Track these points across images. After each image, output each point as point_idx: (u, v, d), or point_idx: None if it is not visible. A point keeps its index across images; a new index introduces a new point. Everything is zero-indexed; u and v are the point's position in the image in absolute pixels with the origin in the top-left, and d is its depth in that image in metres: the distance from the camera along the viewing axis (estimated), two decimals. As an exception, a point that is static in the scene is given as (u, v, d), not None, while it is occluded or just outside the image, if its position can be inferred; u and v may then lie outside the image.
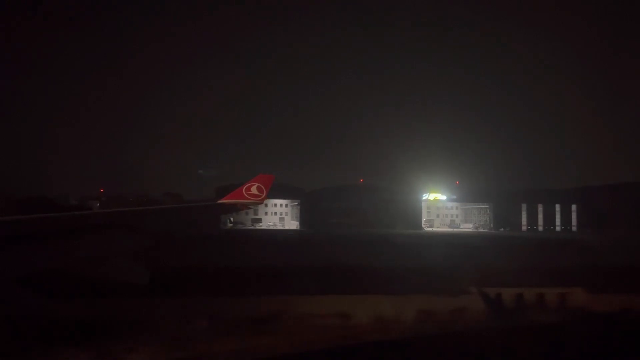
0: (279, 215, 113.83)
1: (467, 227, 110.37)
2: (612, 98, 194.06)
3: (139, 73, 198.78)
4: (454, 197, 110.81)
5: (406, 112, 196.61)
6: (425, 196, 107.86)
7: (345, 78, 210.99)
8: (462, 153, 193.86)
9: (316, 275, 19.34)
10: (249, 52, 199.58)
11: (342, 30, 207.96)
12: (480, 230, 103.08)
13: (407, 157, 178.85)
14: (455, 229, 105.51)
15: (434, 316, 13.05)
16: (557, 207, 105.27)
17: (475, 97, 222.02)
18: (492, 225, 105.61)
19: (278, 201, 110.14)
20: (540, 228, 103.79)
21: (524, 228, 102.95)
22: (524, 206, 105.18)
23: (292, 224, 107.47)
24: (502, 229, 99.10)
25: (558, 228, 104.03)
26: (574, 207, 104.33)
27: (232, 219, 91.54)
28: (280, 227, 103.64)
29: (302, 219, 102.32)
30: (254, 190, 11.34)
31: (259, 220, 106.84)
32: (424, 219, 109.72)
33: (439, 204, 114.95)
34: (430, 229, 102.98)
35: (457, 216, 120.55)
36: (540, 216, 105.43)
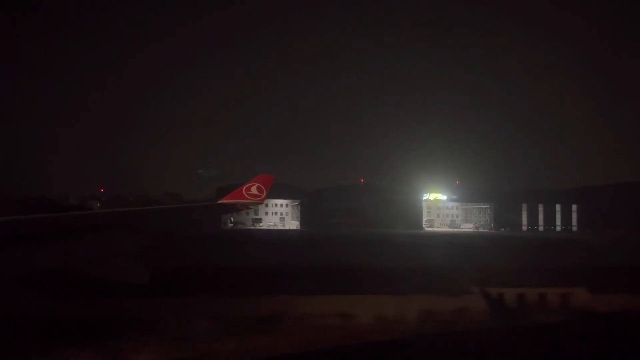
0: (279, 215, 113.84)
1: (467, 227, 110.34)
2: (612, 98, 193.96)
3: (139, 73, 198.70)
4: (455, 197, 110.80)
5: (406, 112, 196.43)
6: (425, 196, 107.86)
7: (345, 78, 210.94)
8: (462, 153, 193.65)
9: (317, 275, 19.33)
10: (249, 52, 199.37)
11: (342, 30, 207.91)
12: (481, 230, 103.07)
13: (407, 157, 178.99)
14: (455, 229, 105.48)
15: (436, 316, 13.07)
16: (558, 207, 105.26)
17: (475, 97, 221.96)
18: (492, 225, 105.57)
19: (278, 201, 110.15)
20: (541, 228, 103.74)
21: (524, 228, 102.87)
22: (524, 206, 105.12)
23: (293, 224, 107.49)
24: (503, 229, 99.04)
25: (558, 228, 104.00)
26: (574, 207, 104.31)
27: (232, 219, 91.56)
28: (281, 227, 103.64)
29: (303, 219, 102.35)
30: (254, 190, 11.32)
31: (260, 220, 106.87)
32: (424, 219, 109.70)
33: (440, 204, 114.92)
34: (430, 229, 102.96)
35: (457, 216, 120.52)
36: (541, 216, 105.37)
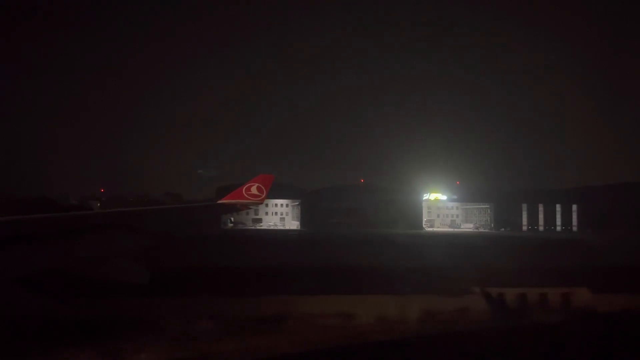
0: (279, 215, 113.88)
1: (467, 227, 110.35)
2: (612, 98, 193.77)
3: (139, 73, 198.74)
4: (455, 197, 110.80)
5: (406, 112, 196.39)
6: (425, 196, 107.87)
7: (345, 78, 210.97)
8: (462, 153, 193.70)
9: (317, 275, 19.33)
10: (249, 52, 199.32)
11: (342, 30, 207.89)
12: (481, 230, 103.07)
13: (407, 157, 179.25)
14: (455, 229, 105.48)
15: (436, 316, 13.06)
16: (558, 207, 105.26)
17: (475, 97, 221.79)
18: (492, 225, 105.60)
19: (279, 201, 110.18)
20: (541, 228, 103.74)
21: (524, 228, 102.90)
22: (524, 206, 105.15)
23: (293, 224, 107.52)
24: (503, 229, 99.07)
25: (559, 228, 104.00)
26: (574, 207, 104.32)
27: (232, 219, 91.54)
28: (281, 227, 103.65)
29: (303, 219, 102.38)
30: (254, 190, 11.33)
31: (260, 220, 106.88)
32: (424, 219, 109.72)
33: (440, 204, 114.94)
34: (430, 229, 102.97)
35: (457, 216, 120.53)
36: (541, 216, 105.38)
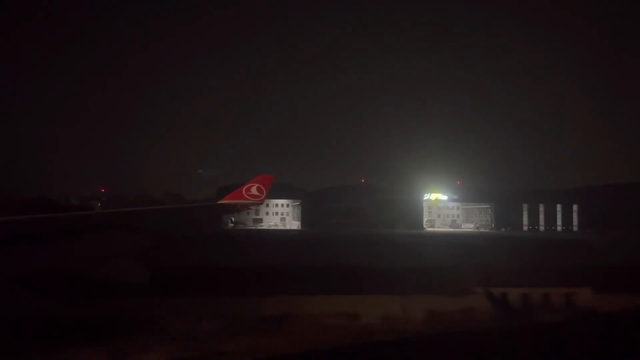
0: (280, 215, 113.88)
1: (468, 227, 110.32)
2: (612, 98, 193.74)
3: (139, 73, 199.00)
4: (455, 197, 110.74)
5: (406, 112, 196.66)
6: (426, 196, 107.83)
7: (345, 78, 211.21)
8: (462, 153, 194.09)
9: (317, 275, 19.30)
10: (249, 52, 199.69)
11: (342, 30, 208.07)
12: (482, 230, 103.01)
13: (408, 157, 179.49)
14: (456, 229, 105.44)
15: (438, 316, 13.04)
16: (559, 207, 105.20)
17: (475, 97, 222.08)
18: (493, 225, 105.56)
19: (279, 201, 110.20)
20: (542, 228, 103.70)
21: (525, 228, 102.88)
22: (525, 206, 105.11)
23: (294, 224, 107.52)
24: (504, 229, 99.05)
25: (559, 228, 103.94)
26: (575, 207, 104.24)
27: (233, 219, 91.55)
28: (282, 227, 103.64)
29: (304, 219, 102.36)
30: (254, 190, 11.34)
31: (260, 220, 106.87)
32: (425, 219, 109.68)
33: (440, 204, 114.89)
34: (431, 229, 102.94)
35: (458, 216, 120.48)
36: (542, 216, 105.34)
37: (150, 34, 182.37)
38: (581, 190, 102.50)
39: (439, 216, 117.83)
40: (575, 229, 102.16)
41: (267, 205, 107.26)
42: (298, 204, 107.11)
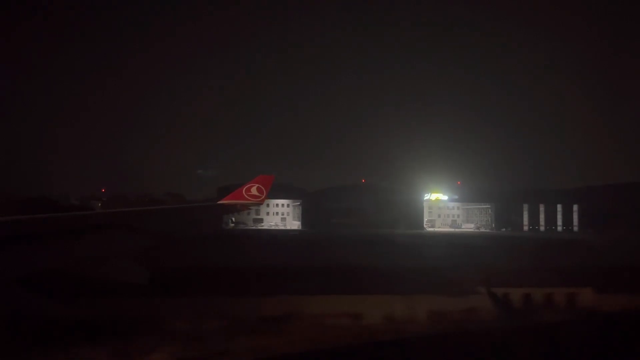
0: (280, 215, 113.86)
1: (468, 227, 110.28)
2: (612, 98, 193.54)
3: (139, 73, 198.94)
4: (456, 197, 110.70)
5: (406, 112, 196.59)
6: (426, 196, 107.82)
7: (345, 78, 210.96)
8: (462, 153, 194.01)
9: (318, 275, 19.30)
10: (249, 52, 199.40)
11: (342, 30, 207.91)
12: (482, 230, 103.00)
13: (408, 157, 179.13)
14: (456, 229, 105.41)
15: (441, 316, 13.04)
16: (559, 207, 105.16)
17: (475, 97, 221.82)
18: (493, 225, 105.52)
19: (280, 201, 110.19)
20: (542, 228, 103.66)
21: (525, 228, 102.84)
22: (525, 206, 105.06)
23: (294, 224, 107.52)
24: (504, 229, 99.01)
25: (559, 228, 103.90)
26: (575, 207, 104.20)
27: (233, 219, 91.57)
28: (282, 227, 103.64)
29: (304, 219, 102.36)
30: (253, 191, 11.35)
31: (261, 220, 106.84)
32: (425, 219, 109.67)
33: (441, 204, 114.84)
34: (431, 229, 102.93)
35: (458, 216, 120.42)
36: (542, 216, 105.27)
37: (150, 34, 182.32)
38: (581, 190, 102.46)
39: (439, 216, 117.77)
40: (575, 229, 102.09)
41: (268, 205, 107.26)
42: (298, 204, 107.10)
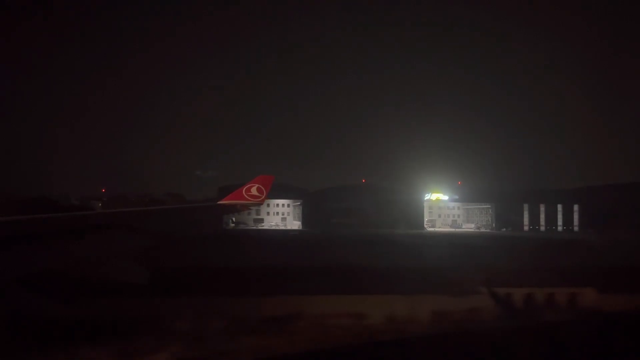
0: (281, 215, 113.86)
1: (469, 227, 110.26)
2: (612, 98, 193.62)
3: (139, 73, 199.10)
4: (456, 197, 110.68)
5: (406, 112, 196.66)
6: (427, 196, 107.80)
7: (345, 78, 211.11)
8: (463, 153, 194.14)
9: (318, 275, 19.29)
10: (249, 52, 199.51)
11: (342, 30, 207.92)
12: (482, 230, 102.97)
13: (408, 157, 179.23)
14: (457, 229, 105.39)
15: (442, 316, 13.03)
16: (559, 207, 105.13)
17: (475, 97, 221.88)
18: (494, 225, 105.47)
19: (280, 201, 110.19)
20: (542, 228, 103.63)
21: (525, 228, 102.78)
22: (525, 206, 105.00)
23: (294, 224, 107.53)
24: (504, 229, 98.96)
25: (560, 228, 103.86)
26: (575, 207, 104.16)
27: (234, 219, 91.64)
28: (283, 227, 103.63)
29: (304, 219, 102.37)
30: (253, 191, 11.36)
31: (261, 220, 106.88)
32: (426, 219, 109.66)
33: (441, 204, 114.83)
34: (432, 229, 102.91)
35: (459, 216, 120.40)
36: (542, 216, 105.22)
37: (150, 34, 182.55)
38: (581, 191, 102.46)
39: (439, 216, 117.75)
40: (576, 229, 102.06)
41: (268, 205, 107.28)
42: (299, 204, 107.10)
